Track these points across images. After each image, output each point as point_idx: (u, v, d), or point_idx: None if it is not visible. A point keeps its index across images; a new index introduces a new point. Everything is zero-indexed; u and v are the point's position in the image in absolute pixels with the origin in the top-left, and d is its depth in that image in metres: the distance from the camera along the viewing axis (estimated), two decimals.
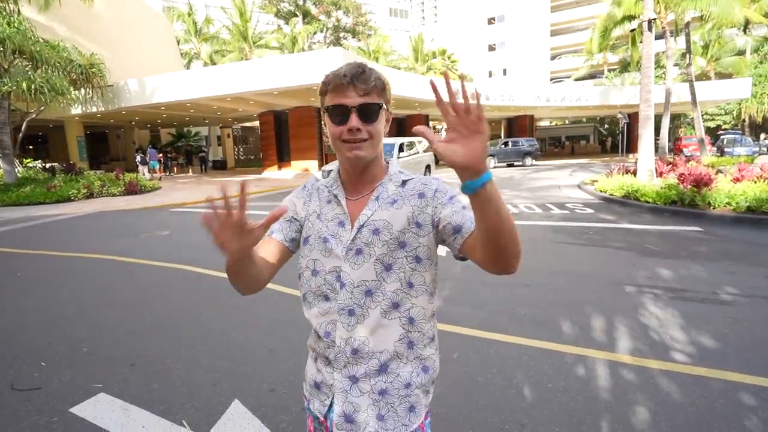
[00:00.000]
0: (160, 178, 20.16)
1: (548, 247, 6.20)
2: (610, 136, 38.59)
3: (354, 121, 0.93)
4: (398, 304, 0.96)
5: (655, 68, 12.08)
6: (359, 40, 40.97)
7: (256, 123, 31.90)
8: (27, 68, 14.12)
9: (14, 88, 13.47)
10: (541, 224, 7.78)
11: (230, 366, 3.02)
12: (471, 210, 0.86)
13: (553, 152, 38.71)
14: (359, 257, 0.96)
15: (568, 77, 46.95)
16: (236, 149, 33.70)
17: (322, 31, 39.06)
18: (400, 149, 11.32)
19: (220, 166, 29.60)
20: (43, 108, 15.66)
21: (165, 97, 16.89)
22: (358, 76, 0.93)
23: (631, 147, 25.31)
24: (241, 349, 3.27)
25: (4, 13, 15.17)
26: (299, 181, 18.61)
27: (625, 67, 35.51)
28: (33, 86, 13.54)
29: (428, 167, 13.35)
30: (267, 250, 1.03)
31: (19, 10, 15.89)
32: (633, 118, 18.41)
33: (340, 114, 0.95)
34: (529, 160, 24.34)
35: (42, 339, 3.59)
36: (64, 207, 12.17)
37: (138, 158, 20.43)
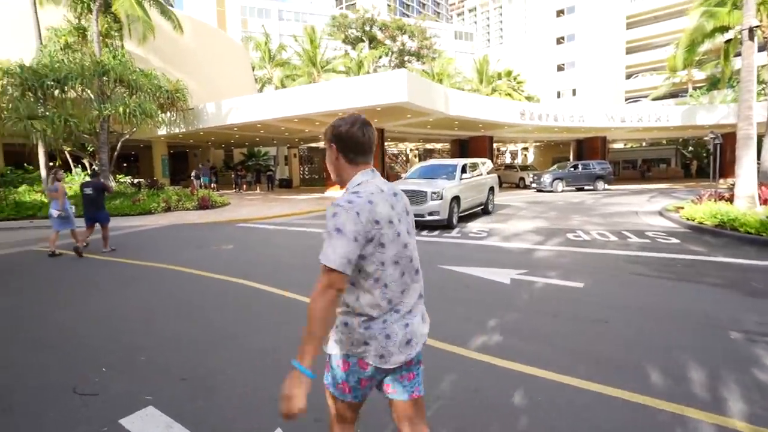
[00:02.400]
0: (211, 190, 20.99)
1: (626, 280, 5.55)
2: (696, 159, 35.29)
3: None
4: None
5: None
6: (423, 63, 41.47)
7: (321, 144, 33.04)
8: (124, 95, 15.74)
9: (113, 112, 15.04)
10: (616, 253, 7.05)
11: (276, 390, 2.89)
12: (324, 243, 1.40)
13: (628, 176, 36.10)
14: None
15: (646, 97, 43.99)
16: (302, 168, 35.07)
17: (387, 55, 40.07)
18: (463, 170, 10.99)
19: (286, 184, 30.87)
20: (135, 129, 17.32)
21: (238, 119, 18.00)
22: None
23: (724, 171, 22.87)
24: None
25: (111, 48, 17.19)
26: None
27: (714, 84, 32.55)
28: (127, 110, 15.04)
29: (491, 189, 12.85)
30: None
31: (122, 45, 17.94)
32: (726, 139, 16.59)
33: None
34: (601, 184, 22.81)
35: (108, 344, 3.72)
36: (145, 219, 13.18)
37: (193, 173, 22.01)
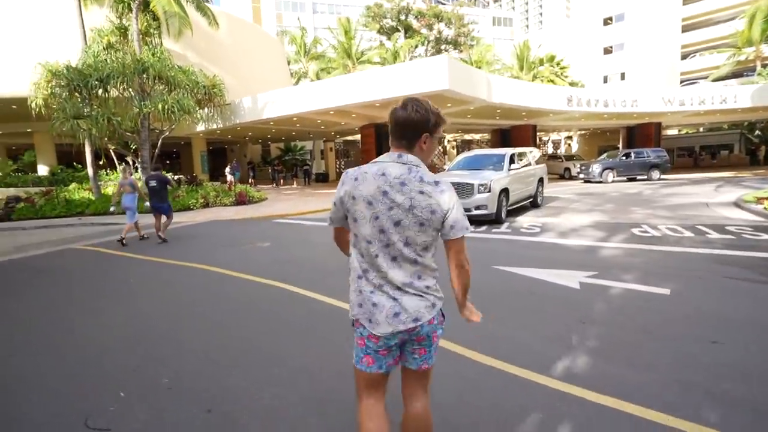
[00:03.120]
0: (248, 185, 21.08)
1: (721, 285, 4.68)
2: (764, 144, 32.18)
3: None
4: None
5: None
6: (461, 51, 40.14)
7: (357, 137, 32.67)
8: (164, 91, 15.84)
9: (152, 109, 15.17)
10: (699, 252, 6.11)
11: (307, 424, 2.37)
12: None
13: (683, 164, 33.47)
14: None
15: (705, 78, 40.63)
16: (338, 162, 34.86)
17: (423, 45, 39.02)
18: (511, 160, 10.16)
19: (323, 178, 30.75)
20: (174, 126, 17.48)
21: (274, 113, 17.80)
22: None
23: None
24: (323, 394, 2.62)
25: (150, 46, 17.38)
26: None
27: None
28: (166, 107, 15.11)
29: (541, 180, 11.92)
30: None
31: (161, 42, 18.11)
32: None
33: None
34: (656, 174, 21.07)
35: (131, 359, 3.34)
36: (183, 215, 13.18)
37: (227, 169, 22.25)
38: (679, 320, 3.69)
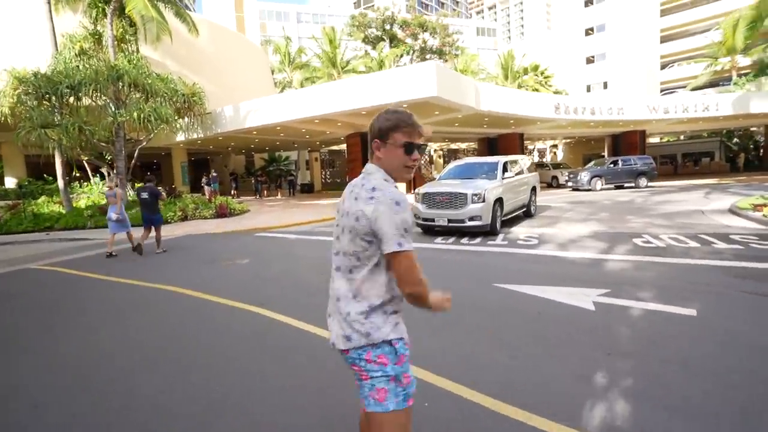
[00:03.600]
0: (230, 197, 20.54)
1: (748, 304, 4.26)
2: (743, 152, 32.76)
3: (417, 155, 1.52)
4: None
5: None
6: (446, 60, 40.22)
7: (343, 146, 32.24)
8: (140, 100, 15.13)
9: (127, 118, 14.44)
10: (711, 265, 5.73)
11: None
12: None
13: (665, 172, 33.85)
14: None
15: (683, 87, 41.44)
16: (323, 172, 34.31)
17: (408, 54, 38.99)
18: (504, 168, 9.77)
19: (308, 189, 30.14)
20: (151, 136, 16.72)
21: (257, 121, 17.22)
22: (418, 124, 1.52)
23: None
24: None
25: (126, 53, 16.68)
26: None
27: (762, 69, 30.14)
28: (142, 115, 14.41)
29: (534, 189, 11.57)
30: None
31: (138, 49, 17.43)
32: None
33: (411, 149, 1.50)
34: (643, 181, 21.05)
35: (87, 412, 2.72)
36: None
37: (203, 180, 21.55)
38: (715, 349, 3.23)
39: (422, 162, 37.75)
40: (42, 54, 15.89)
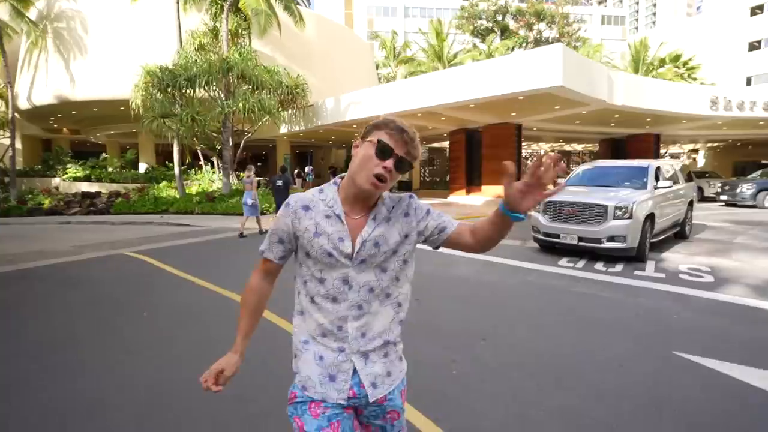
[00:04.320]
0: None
1: None
2: None
3: (391, 164, 1.15)
4: (390, 294, 1.25)
5: None
6: None
7: (444, 143, 30.69)
8: (247, 91, 15.37)
9: (234, 108, 14.71)
10: None
11: None
12: (444, 215, 1.32)
13: None
14: (363, 265, 1.20)
15: None
16: (422, 170, 33.17)
17: (521, 46, 35.96)
18: (657, 176, 7.53)
19: (406, 187, 29.23)
20: (256, 127, 17.03)
21: (356, 114, 16.58)
22: (412, 140, 1.18)
23: None
24: None
25: (239, 46, 17.18)
26: (489, 209, 15.95)
27: None
28: (247, 106, 14.55)
29: (690, 204, 8.99)
30: (267, 271, 1.31)
31: (249, 43, 17.91)
32: None
33: (386, 153, 1.15)
34: None
35: None
36: (253, 221, 12.27)
37: (296, 172, 21.39)
38: None
39: (529, 164, 34.52)
40: (170, 50, 17.02)
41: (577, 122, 18.29)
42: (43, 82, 20.31)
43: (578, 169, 8.76)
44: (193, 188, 17.93)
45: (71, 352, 3.55)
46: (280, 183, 9.93)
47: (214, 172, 18.78)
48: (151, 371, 3.17)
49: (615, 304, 4.76)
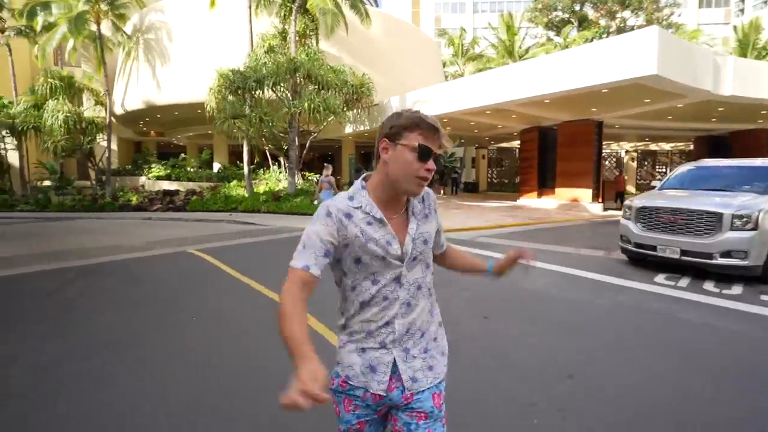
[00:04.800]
0: None
1: None
2: None
3: (432, 165, 1.18)
4: (430, 288, 1.32)
5: None
6: None
7: (514, 143, 29.18)
8: (313, 91, 15.46)
9: (300, 108, 14.83)
10: None
11: None
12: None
13: None
14: (414, 262, 1.24)
15: None
16: (490, 171, 31.83)
17: (600, 37, 33.15)
18: None
19: (472, 188, 28.17)
20: (321, 127, 17.11)
21: (422, 113, 16.01)
22: (442, 134, 1.19)
23: None
24: None
25: (306, 47, 17.40)
26: (563, 214, 14.62)
27: None
28: (312, 106, 14.60)
29: None
30: (308, 285, 1.13)
31: (317, 43, 18.07)
32: None
33: (426, 154, 1.16)
34: None
35: None
36: (304, 222, 12.19)
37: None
38: None
39: (607, 165, 31.78)
40: (243, 54, 17.66)
41: (669, 118, 16.25)
42: (134, 89, 22.10)
43: (678, 171, 7.49)
44: (261, 187, 18.46)
45: (114, 354, 3.40)
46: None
47: (280, 172, 19.20)
48: (189, 380, 2.88)
49: (739, 339, 3.77)
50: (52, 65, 23.79)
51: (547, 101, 12.91)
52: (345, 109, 16.91)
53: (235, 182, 19.59)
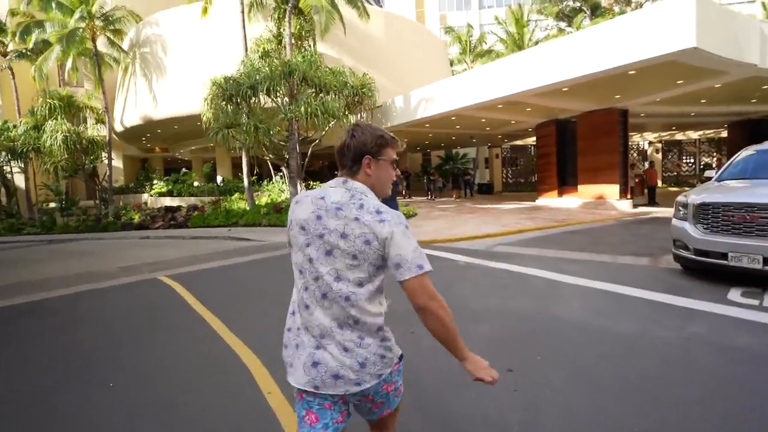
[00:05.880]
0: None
1: None
2: None
3: (397, 170, 1.61)
4: None
5: None
6: None
7: (529, 140, 27.80)
8: (310, 95, 14.47)
9: (296, 113, 13.85)
10: None
11: None
12: None
13: None
14: None
15: None
16: (504, 171, 30.42)
17: None
18: None
19: (486, 189, 26.80)
20: (323, 133, 16.09)
21: (428, 111, 14.87)
22: (398, 141, 1.48)
23: None
24: None
25: (303, 50, 16.47)
26: (589, 213, 13.26)
27: None
28: (309, 110, 13.60)
29: None
30: None
31: (313, 45, 17.16)
32: None
33: (396, 164, 1.51)
34: None
35: None
36: None
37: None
38: None
39: (633, 158, 29.96)
40: (237, 61, 16.83)
41: (703, 101, 14.73)
42: (132, 104, 21.55)
43: (741, 155, 6.13)
44: (263, 199, 17.55)
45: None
46: None
47: (283, 182, 18.27)
48: None
49: None
50: (53, 86, 23.48)
51: (566, 89, 11.62)
52: (347, 113, 15.90)
53: (237, 195, 18.75)
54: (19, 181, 25.28)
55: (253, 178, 18.87)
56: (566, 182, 16.53)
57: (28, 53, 23.16)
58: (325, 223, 1.32)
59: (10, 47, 24.08)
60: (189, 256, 9.12)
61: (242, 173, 20.21)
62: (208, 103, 15.10)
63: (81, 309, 5.40)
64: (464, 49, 32.53)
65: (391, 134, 1.45)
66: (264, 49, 16.23)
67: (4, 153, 21.07)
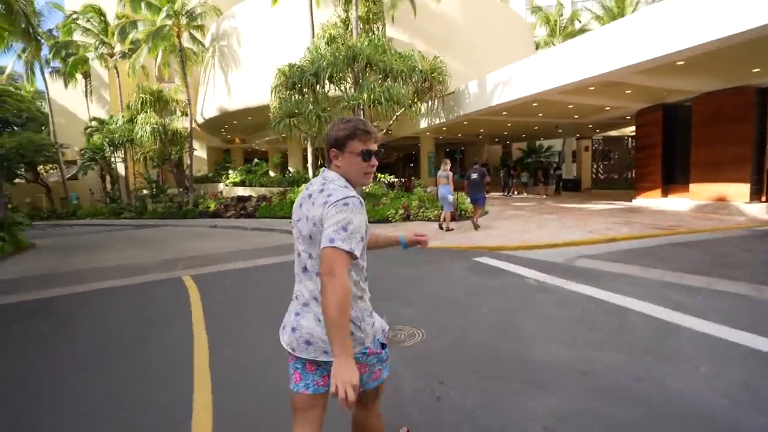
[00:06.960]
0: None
1: None
2: None
3: (375, 161, 1.53)
4: None
5: None
6: None
7: (626, 130, 24.37)
8: (375, 81, 13.50)
9: (359, 101, 12.98)
10: None
11: None
12: None
13: None
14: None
15: None
16: (595, 166, 27.08)
17: None
18: None
19: (572, 186, 23.97)
20: (391, 122, 15.07)
21: (507, 97, 13.09)
22: (373, 131, 1.52)
23: None
24: None
25: (370, 34, 15.55)
26: (705, 219, 10.74)
27: None
28: (372, 96, 12.66)
29: None
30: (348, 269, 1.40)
31: (382, 28, 16.15)
32: None
33: (368, 156, 1.50)
34: None
35: None
36: (374, 228, 10.19)
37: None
38: None
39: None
40: (304, 49, 16.41)
41: None
42: (211, 96, 22.37)
43: None
44: None
45: None
46: (475, 176, 9.42)
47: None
48: None
49: None
50: (148, 82, 25.30)
51: (681, 62, 9.28)
52: (416, 100, 14.70)
53: (303, 186, 18.52)
54: (120, 169, 27.86)
55: (319, 170, 18.49)
56: (673, 179, 13.75)
57: (128, 52, 25.20)
58: (303, 208, 1.50)
59: (117, 48, 26.45)
60: (234, 251, 8.68)
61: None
62: (275, 93, 14.86)
63: (77, 314, 4.94)
64: (553, 30, 29.40)
65: (367, 128, 1.51)
66: (330, 34, 15.56)
67: (107, 143, 23.15)
